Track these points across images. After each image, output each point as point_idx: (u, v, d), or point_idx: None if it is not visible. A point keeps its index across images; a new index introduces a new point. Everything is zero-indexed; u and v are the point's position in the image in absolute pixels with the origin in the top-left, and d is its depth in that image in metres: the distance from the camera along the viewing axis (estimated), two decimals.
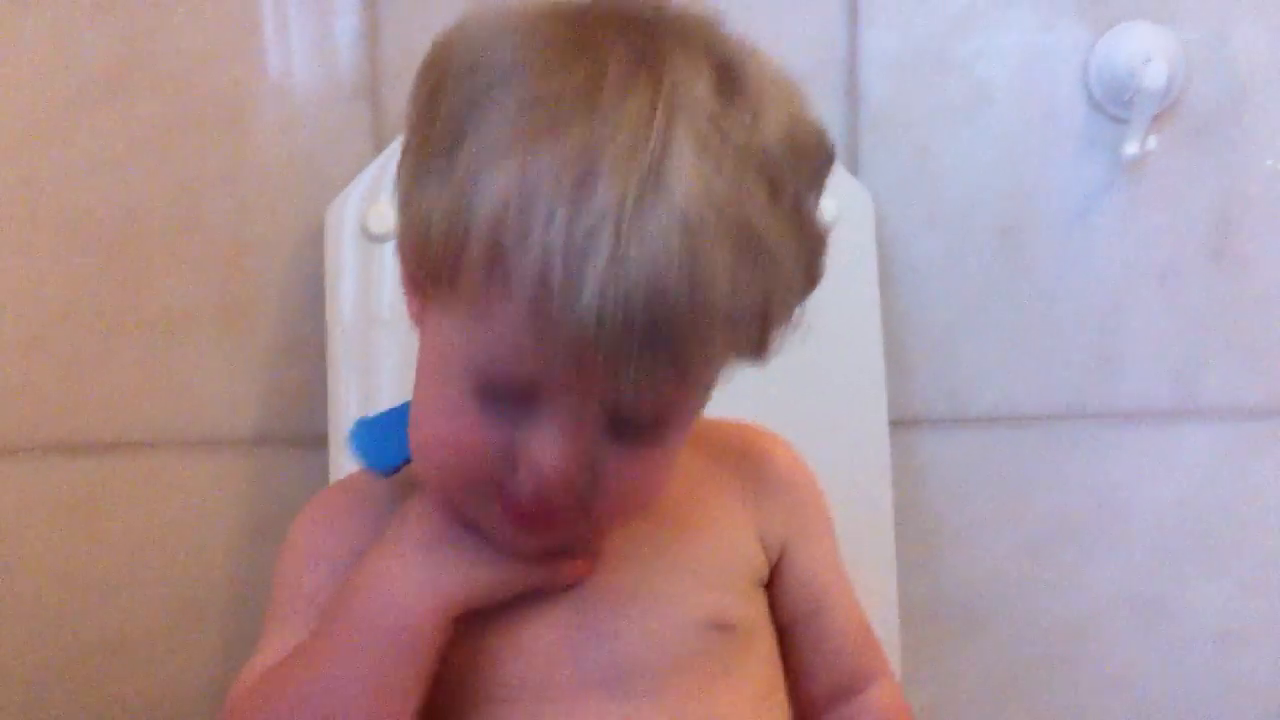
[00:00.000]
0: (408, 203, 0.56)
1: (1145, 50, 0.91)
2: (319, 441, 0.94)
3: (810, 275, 0.58)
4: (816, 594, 0.67)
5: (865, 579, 0.72)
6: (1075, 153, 0.96)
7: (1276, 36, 0.95)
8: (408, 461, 0.61)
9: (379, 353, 0.92)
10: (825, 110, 0.92)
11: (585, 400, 0.54)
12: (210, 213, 0.96)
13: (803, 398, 0.86)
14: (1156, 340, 0.98)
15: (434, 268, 0.54)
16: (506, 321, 0.53)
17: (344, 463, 0.91)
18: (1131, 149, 0.91)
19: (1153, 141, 0.91)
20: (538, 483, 0.55)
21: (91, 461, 0.98)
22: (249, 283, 0.97)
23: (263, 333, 0.97)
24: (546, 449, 0.55)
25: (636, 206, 0.50)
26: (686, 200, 0.51)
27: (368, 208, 0.90)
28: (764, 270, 0.53)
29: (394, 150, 0.90)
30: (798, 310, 0.58)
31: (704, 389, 0.58)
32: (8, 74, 0.95)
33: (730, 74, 0.54)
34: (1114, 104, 0.94)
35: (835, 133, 0.93)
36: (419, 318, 0.59)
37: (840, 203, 0.90)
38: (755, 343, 0.56)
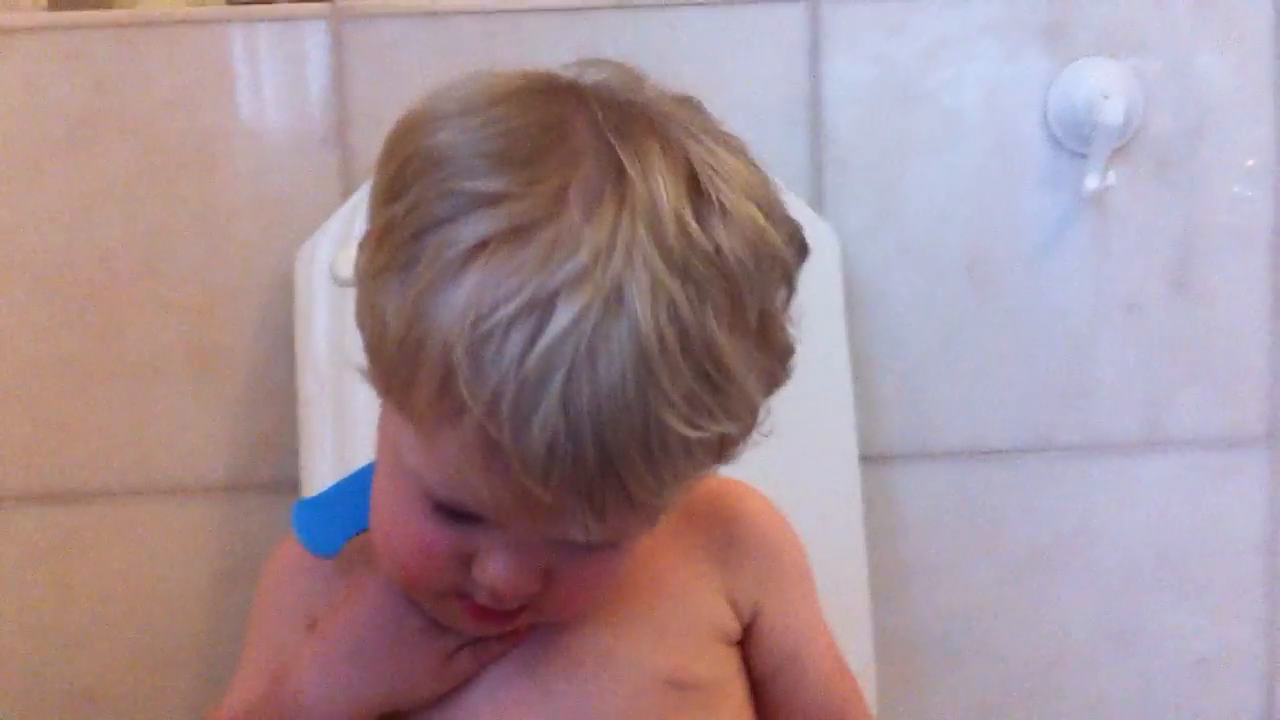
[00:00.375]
0: (368, 290, 0.54)
1: (1103, 86, 0.92)
2: (291, 487, 0.93)
3: (774, 384, 0.57)
4: (791, 650, 0.66)
5: (840, 614, 0.71)
6: (1038, 187, 0.96)
7: (1234, 70, 0.96)
8: (354, 535, 0.61)
9: (350, 397, 0.91)
10: (789, 147, 0.95)
11: (533, 535, 0.54)
12: (180, 259, 0.96)
13: (773, 434, 0.86)
14: (1123, 371, 0.99)
15: (387, 374, 0.53)
16: (454, 451, 0.51)
17: None
18: (1092, 183, 0.91)
19: (1112, 176, 0.92)
20: (491, 595, 0.55)
21: (62, 511, 0.98)
22: (220, 329, 0.97)
23: (234, 378, 0.97)
24: (498, 570, 0.55)
25: (594, 330, 0.48)
26: (645, 321, 0.49)
27: (337, 252, 0.90)
28: (725, 395, 0.52)
29: (363, 195, 0.91)
30: (763, 414, 0.56)
31: (661, 510, 0.55)
32: None
33: (700, 183, 0.52)
34: (1074, 140, 0.95)
35: (800, 171, 0.95)
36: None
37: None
38: (714, 462, 0.55)
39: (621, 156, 0.51)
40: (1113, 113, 0.89)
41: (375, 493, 0.58)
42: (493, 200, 0.49)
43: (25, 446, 0.98)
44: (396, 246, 0.51)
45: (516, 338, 0.48)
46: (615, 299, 0.48)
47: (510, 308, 0.48)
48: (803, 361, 0.89)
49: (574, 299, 0.48)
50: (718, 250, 0.51)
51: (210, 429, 0.97)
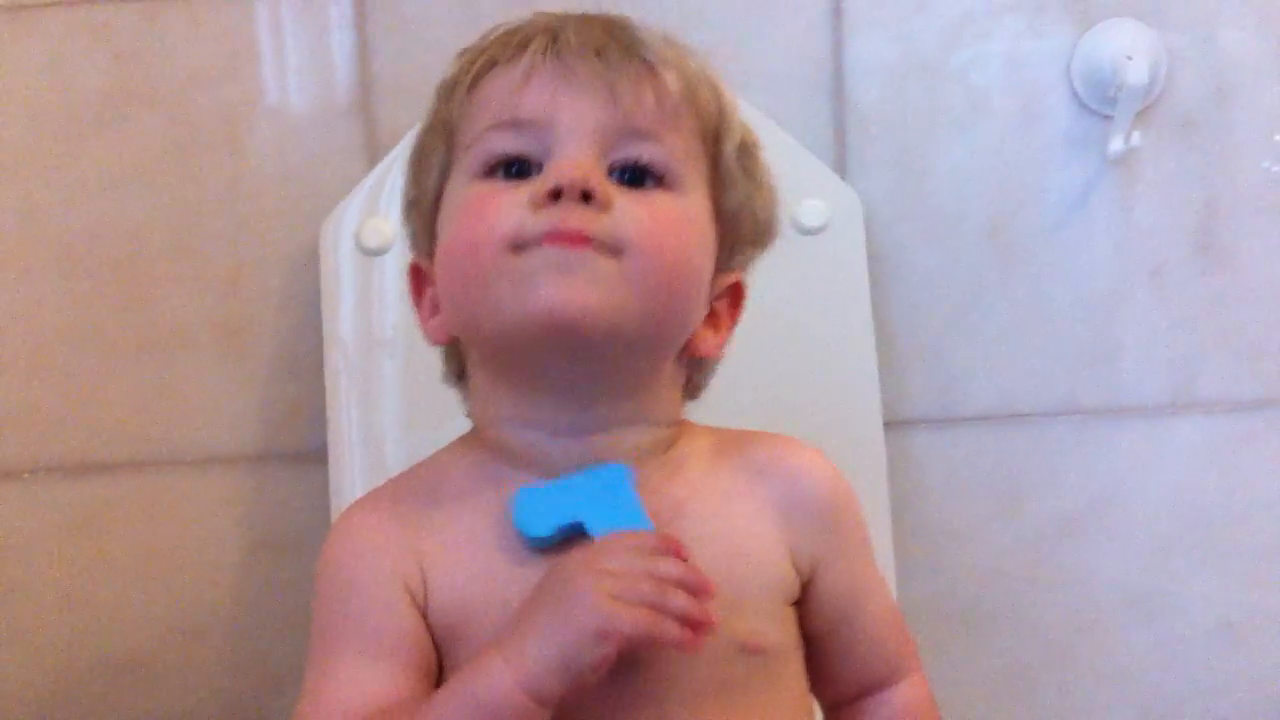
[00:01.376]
0: (411, 168, 0.68)
1: (1127, 47, 0.92)
2: (319, 456, 0.94)
3: (752, 158, 0.67)
4: (846, 607, 0.66)
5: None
6: (1063, 151, 0.97)
7: (1259, 31, 0.96)
8: (557, 532, 0.60)
9: (377, 365, 0.92)
10: (813, 113, 0.95)
11: (584, 131, 0.61)
12: (208, 232, 0.97)
13: (797, 401, 0.86)
14: (1149, 335, 0.98)
15: (437, 157, 0.65)
16: (496, 89, 0.63)
17: (344, 476, 0.92)
18: (1116, 145, 0.91)
19: (1137, 137, 0.92)
20: (557, 191, 0.60)
21: (94, 482, 0.99)
22: (247, 300, 0.98)
23: (262, 349, 0.98)
24: (567, 158, 0.61)
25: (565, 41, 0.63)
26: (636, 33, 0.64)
27: (362, 222, 0.91)
28: (713, 74, 0.65)
29: (388, 163, 0.92)
30: (759, 197, 0.67)
31: (684, 147, 0.63)
32: (7, 100, 0.96)
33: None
34: (1098, 101, 0.95)
35: (823, 136, 0.96)
36: (430, 323, 0.66)
37: (830, 206, 0.91)
38: (715, 138, 0.65)
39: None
40: (1137, 73, 0.89)
41: (451, 227, 0.63)
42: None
43: (57, 419, 0.99)
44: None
45: (499, 34, 0.65)
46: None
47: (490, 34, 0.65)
48: (827, 327, 0.91)
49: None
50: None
51: (238, 400, 0.98)
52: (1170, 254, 0.98)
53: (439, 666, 0.61)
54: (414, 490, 0.64)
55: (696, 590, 0.57)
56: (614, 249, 0.59)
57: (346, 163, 0.96)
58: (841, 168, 0.96)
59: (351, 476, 0.90)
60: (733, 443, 0.66)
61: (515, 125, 0.61)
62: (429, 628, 0.60)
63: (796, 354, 0.91)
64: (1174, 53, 0.95)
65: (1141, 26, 0.94)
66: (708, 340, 0.65)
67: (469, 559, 0.61)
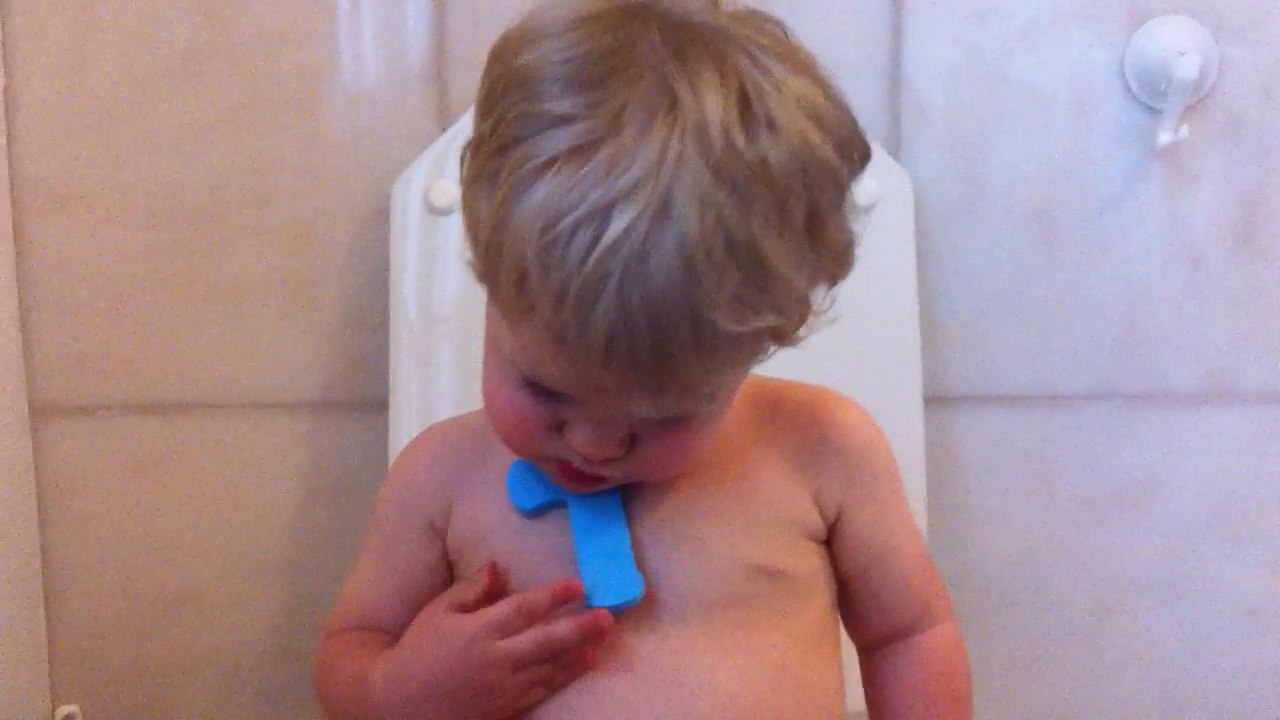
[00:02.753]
0: (466, 195, 0.61)
1: (1180, 43, 0.94)
2: (380, 406, 0.97)
3: (831, 277, 0.62)
4: (877, 551, 0.69)
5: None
6: (1110, 141, 0.98)
7: None
8: (542, 505, 0.67)
9: (440, 322, 0.95)
10: (868, 97, 0.97)
11: (613, 426, 0.61)
12: (283, 187, 1.00)
13: (839, 374, 0.88)
14: (1186, 325, 1.00)
15: (480, 269, 0.60)
16: (531, 338, 0.58)
17: (401, 427, 0.95)
18: (1165, 137, 0.94)
19: (1185, 130, 0.94)
20: (581, 458, 0.62)
21: (162, 421, 1.03)
22: (318, 254, 1.00)
23: (329, 302, 1.01)
24: (583, 438, 0.61)
25: (645, 238, 0.54)
26: (691, 229, 0.54)
27: (431, 183, 0.94)
28: (769, 293, 0.57)
29: (458, 129, 0.95)
30: (826, 300, 0.62)
31: (717, 390, 0.61)
32: (96, 55, 0.99)
33: (749, 100, 0.57)
34: (1149, 94, 0.97)
35: (878, 118, 0.98)
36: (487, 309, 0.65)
37: (881, 184, 0.93)
38: (765, 349, 0.61)
39: (673, 79, 0.56)
40: (1188, 69, 0.91)
41: (484, 367, 0.65)
42: (562, 121, 0.56)
43: (131, 359, 1.02)
44: (485, 159, 0.59)
45: (578, 243, 0.55)
46: (664, 208, 0.55)
47: (573, 217, 0.55)
48: (872, 303, 0.93)
49: (628, 208, 0.54)
50: (763, 161, 0.56)
51: (305, 349, 1.01)
52: (1211, 246, 1.00)
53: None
54: (465, 432, 0.72)
55: (590, 637, 0.64)
56: (632, 476, 0.64)
57: (418, 126, 0.99)
58: (895, 149, 0.98)
59: (409, 428, 0.93)
60: (769, 391, 0.70)
61: (546, 380, 0.60)
62: (446, 550, 0.70)
63: (841, 327, 0.92)
64: (1225, 50, 0.97)
65: (1194, 24, 0.96)
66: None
67: (484, 500, 0.69)
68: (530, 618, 0.63)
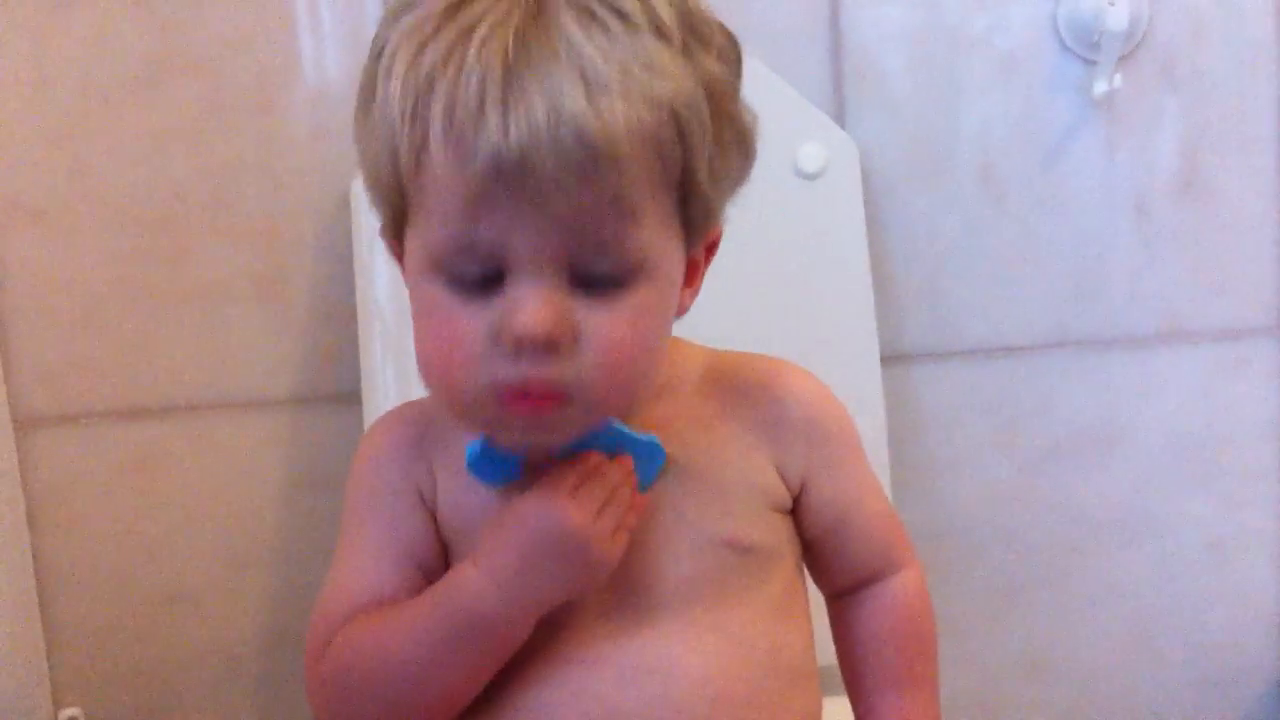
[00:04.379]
0: (360, 156, 0.62)
1: None
2: (353, 398, 1.00)
3: (725, 126, 0.61)
4: (839, 512, 0.71)
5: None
6: (1049, 94, 1.00)
7: None
8: (512, 478, 0.65)
9: (406, 312, 0.96)
10: (811, 64, 0.99)
11: (543, 259, 0.58)
12: (245, 190, 1.02)
13: (797, 339, 0.90)
14: (1134, 269, 1.02)
15: (386, 194, 0.60)
16: (444, 194, 0.57)
17: (377, 416, 0.96)
18: (1101, 87, 0.95)
19: (1119, 79, 0.96)
20: (520, 342, 0.58)
21: (145, 425, 1.04)
22: (283, 253, 1.02)
23: (298, 299, 1.03)
24: (522, 307, 0.58)
25: (520, 25, 0.56)
26: (573, 40, 0.56)
27: None
28: (655, 71, 0.57)
29: None
30: (734, 163, 0.62)
31: (649, 224, 0.59)
32: (56, 67, 1.00)
33: None
34: (1083, 46, 0.98)
35: (822, 87, 0.99)
36: (406, 275, 0.64)
37: (828, 151, 0.95)
38: (679, 165, 0.59)
39: None
40: (1117, 19, 0.92)
41: (415, 330, 0.63)
42: (420, 16, 0.58)
43: (109, 367, 1.04)
44: (364, 100, 0.62)
45: (452, 77, 0.56)
46: (536, 20, 0.56)
47: (445, 63, 0.56)
48: (824, 267, 0.96)
49: (497, 34, 0.56)
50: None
51: (277, 346, 1.03)
52: (1154, 190, 1.01)
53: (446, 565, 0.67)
54: (427, 414, 0.69)
55: (629, 479, 0.64)
56: (579, 391, 0.60)
57: None
58: (840, 117, 1.00)
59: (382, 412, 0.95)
60: (726, 366, 0.70)
61: (471, 248, 0.58)
62: (438, 527, 0.67)
63: (796, 293, 0.96)
64: None
65: None
66: (685, 299, 0.65)
67: (461, 485, 0.66)
68: (585, 476, 0.62)
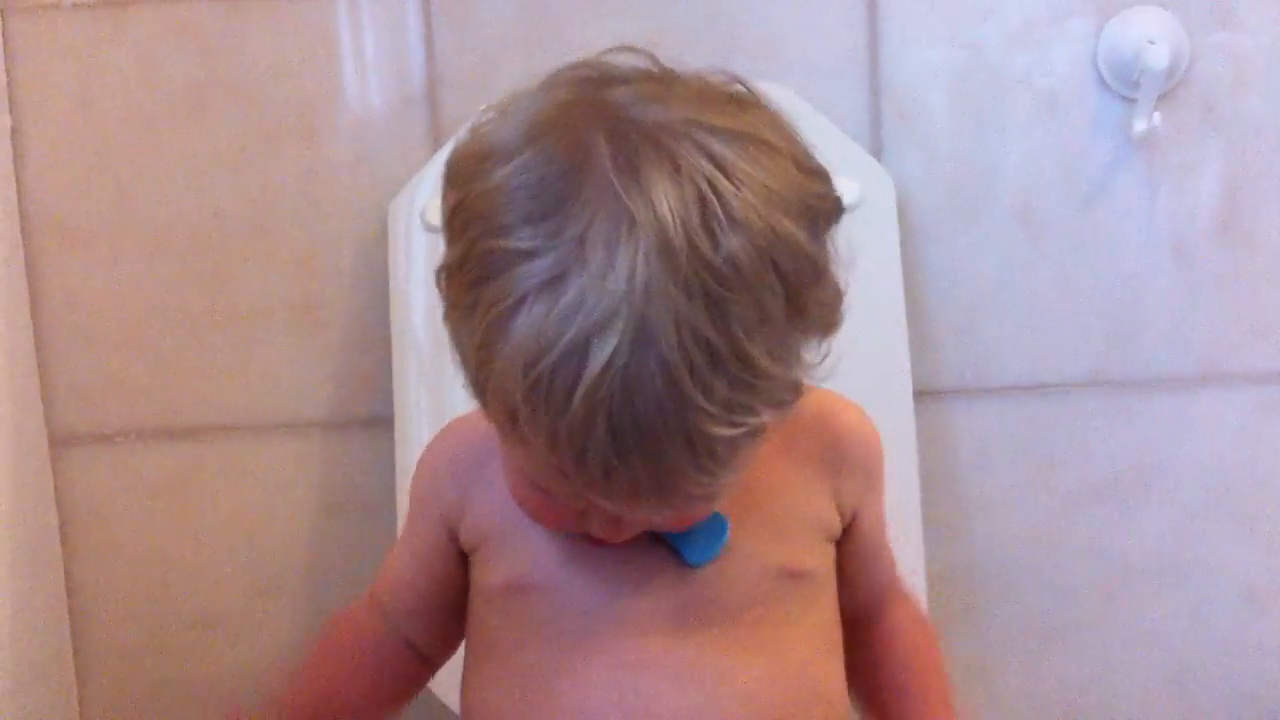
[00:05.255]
0: (450, 322, 0.61)
1: (1150, 32, 0.95)
2: (386, 424, 1.00)
3: (821, 338, 0.61)
4: (874, 544, 0.74)
5: (893, 547, 0.76)
6: (1088, 133, 1.00)
7: (1277, 16, 0.98)
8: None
9: (441, 340, 0.96)
10: (848, 99, 0.99)
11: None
12: (284, 214, 1.03)
13: (829, 371, 0.90)
14: (1172, 311, 1.01)
15: (473, 390, 0.60)
16: (533, 462, 0.59)
17: (409, 443, 0.96)
18: (1140, 125, 0.95)
19: (1158, 118, 0.95)
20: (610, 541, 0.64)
21: (179, 447, 1.05)
22: (321, 277, 1.03)
23: (334, 323, 1.03)
24: (605, 533, 0.63)
25: (626, 367, 0.54)
26: (670, 349, 0.54)
27: (427, 202, 0.96)
28: (760, 391, 0.56)
29: (449, 149, 0.97)
30: (811, 367, 0.61)
31: (724, 487, 0.60)
32: (101, 93, 1.02)
33: (707, 198, 0.55)
34: (1123, 85, 0.98)
35: (859, 120, 1.00)
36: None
37: (864, 185, 0.95)
38: (762, 438, 0.59)
39: (628, 196, 0.55)
40: (1158, 57, 0.92)
41: (500, 450, 0.65)
42: (526, 256, 0.55)
43: (145, 388, 1.05)
44: (459, 291, 0.59)
45: (560, 383, 0.54)
46: (640, 333, 0.54)
47: (552, 357, 0.54)
48: (859, 302, 0.94)
49: (605, 341, 0.54)
50: (732, 262, 0.55)
51: (312, 370, 1.04)
52: (1192, 232, 1.01)
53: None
54: (480, 428, 0.69)
55: None
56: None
57: (412, 148, 1.01)
58: (877, 150, 1.00)
59: (416, 441, 0.95)
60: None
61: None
62: (460, 541, 0.71)
63: None
64: (1195, 37, 0.98)
65: (1164, 12, 0.97)
66: None
67: (498, 495, 0.68)
68: None
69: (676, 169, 0.56)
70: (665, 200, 0.55)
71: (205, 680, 1.07)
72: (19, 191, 1.03)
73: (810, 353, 0.61)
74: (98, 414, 1.05)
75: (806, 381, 0.61)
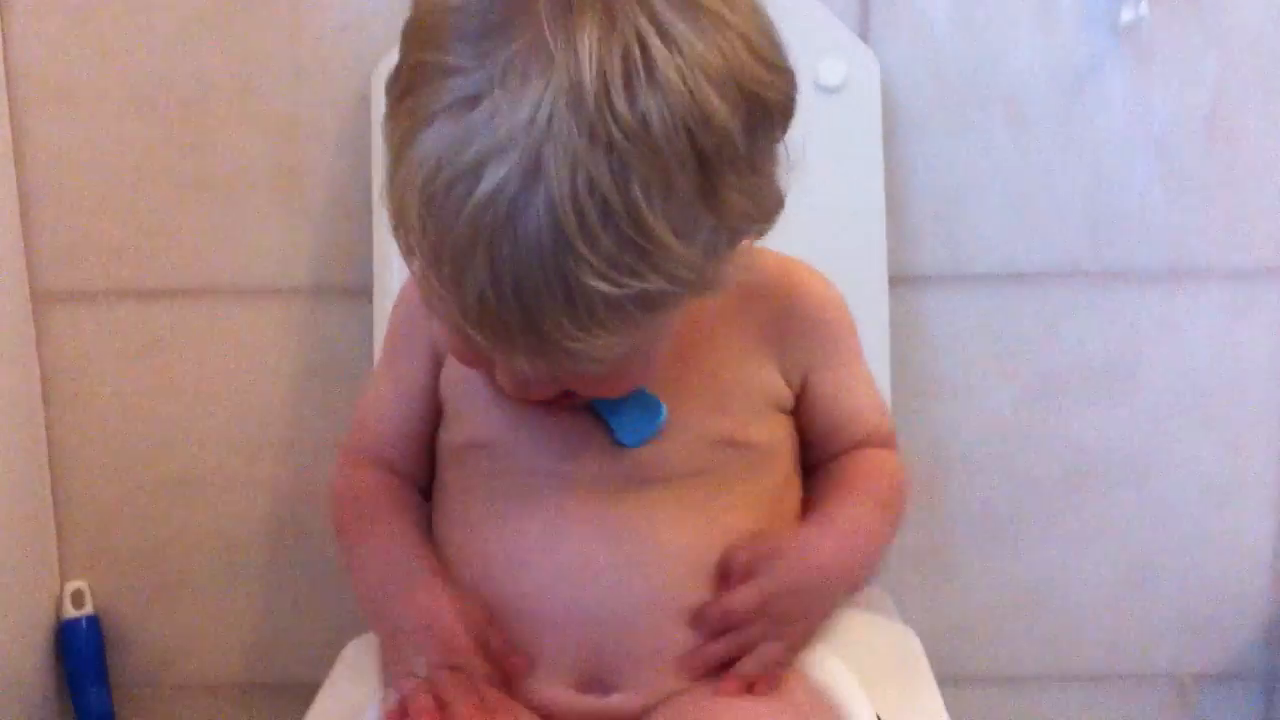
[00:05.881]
0: (383, 124, 0.61)
1: None
2: (365, 291, 1.00)
3: (732, 238, 0.60)
4: (841, 415, 0.74)
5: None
6: (1076, 24, 0.99)
7: None
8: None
9: None
10: None
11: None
12: (267, 79, 1.02)
13: (805, 251, 0.90)
14: (1151, 206, 1.01)
15: (386, 201, 0.61)
16: (426, 289, 0.59)
17: (387, 310, 0.97)
18: (1127, 15, 0.95)
19: (1145, 7, 0.95)
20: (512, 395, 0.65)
21: (159, 307, 1.06)
22: (303, 144, 1.02)
23: (315, 190, 1.03)
24: (508, 387, 0.64)
25: (514, 198, 0.54)
26: (560, 191, 0.53)
27: None
28: (650, 255, 0.55)
29: None
30: (719, 263, 0.60)
31: (630, 346, 0.59)
32: None
33: (633, 55, 0.54)
34: None
35: (848, 2, 0.98)
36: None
37: (849, 66, 0.95)
38: (652, 313, 0.58)
39: (551, 34, 0.54)
40: None
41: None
42: (451, 72, 0.56)
43: (127, 247, 1.05)
44: (391, 101, 0.60)
45: (453, 198, 0.54)
46: (534, 168, 0.54)
47: (449, 171, 0.55)
48: (838, 183, 0.95)
49: (498, 166, 0.54)
50: (643, 123, 0.54)
51: (293, 236, 1.04)
52: (1175, 127, 1.00)
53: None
54: None
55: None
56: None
57: (397, 16, 0.97)
58: (864, 33, 0.99)
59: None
60: (751, 268, 0.68)
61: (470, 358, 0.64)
62: (439, 383, 0.73)
63: (807, 206, 0.94)
64: None
65: None
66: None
67: None
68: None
69: (612, 19, 0.55)
70: (588, 45, 0.54)
71: (182, 538, 1.09)
72: (4, 49, 1.02)
73: (726, 243, 0.59)
74: (81, 272, 1.05)
75: (721, 274, 0.60)
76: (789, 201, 0.94)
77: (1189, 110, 1.00)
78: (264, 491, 1.08)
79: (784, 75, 0.60)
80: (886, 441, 0.77)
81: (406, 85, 0.58)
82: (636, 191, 0.54)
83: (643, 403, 0.67)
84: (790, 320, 0.71)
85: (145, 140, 1.03)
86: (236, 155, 1.03)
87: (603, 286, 0.55)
